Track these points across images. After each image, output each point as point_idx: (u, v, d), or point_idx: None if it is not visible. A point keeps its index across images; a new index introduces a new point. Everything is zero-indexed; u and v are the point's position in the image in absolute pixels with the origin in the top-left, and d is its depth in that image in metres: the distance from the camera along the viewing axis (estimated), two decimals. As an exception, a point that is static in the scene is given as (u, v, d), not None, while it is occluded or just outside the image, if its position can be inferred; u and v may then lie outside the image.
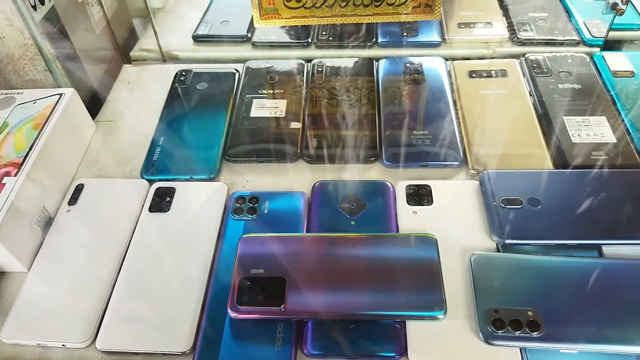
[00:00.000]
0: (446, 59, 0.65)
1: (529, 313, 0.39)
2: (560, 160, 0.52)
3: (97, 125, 0.60)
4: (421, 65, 0.63)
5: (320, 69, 0.64)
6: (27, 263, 0.46)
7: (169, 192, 0.51)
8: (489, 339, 0.39)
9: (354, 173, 0.53)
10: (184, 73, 0.65)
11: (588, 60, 0.63)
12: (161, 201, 0.50)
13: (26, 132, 0.50)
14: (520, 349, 0.39)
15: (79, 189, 0.52)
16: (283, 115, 0.58)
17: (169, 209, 0.50)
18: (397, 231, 0.47)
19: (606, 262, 0.43)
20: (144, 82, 0.66)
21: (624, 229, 0.45)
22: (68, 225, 0.49)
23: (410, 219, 0.48)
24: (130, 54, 0.71)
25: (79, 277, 0.45)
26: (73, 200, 0.51)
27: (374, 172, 0.53)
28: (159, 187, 0.51)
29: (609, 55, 0.63)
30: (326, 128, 0.57)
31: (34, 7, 0.52)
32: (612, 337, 0.38)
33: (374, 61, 0.65)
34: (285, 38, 0.70)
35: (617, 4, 0.60)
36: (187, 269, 0.45)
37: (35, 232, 0.47)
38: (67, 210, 0.50)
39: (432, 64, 0.64)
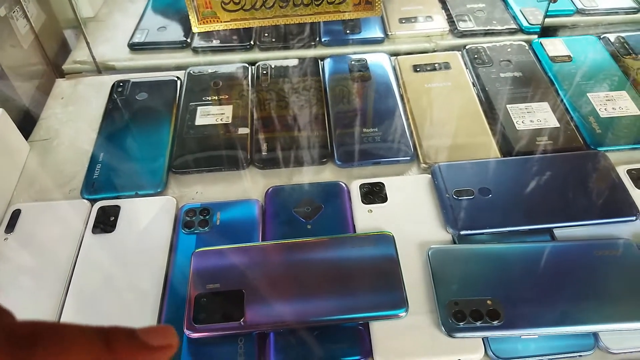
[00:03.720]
0: (390, 55, 0.65)
1: (489, 302, 0.40)
2: (506, 147, 0.53)
3: (31, 145, 0.57)
4: (366, 62, 0.63)
5: (265, 72, 0.63)
6: (-38, 300, 0.43)
7: (113, 211, 0.48)
8: (451, 331, 0.39)
9: (307, 175, 0.53)
10: (121, 84, 0.62)
11: (527, 47, 0.64)
12: (105, 221, 0.48)
13: (-49, 159, 0.47)
14: (482, 338, 0.39)
15: (15, 214, 0.49)
16: (230, 122, 0.57)
17: (113, 229, 0.47)
18: (354, 231, 0.46)
19: (559, 245, 0.44)
20: (79, 96, 0.63)
21: (573, 210, 0.46)
22: (7, 254, 0.46)
23: (366, 218, 0.47)
24: (63, 67, 0.67)
25: (22, 307, 0.42)
26: (10, 227, 0.48)
27: (327, 173, 0.53)
28: (102, 207, 0.49)
29: (546, 42, 0.65)
30: (275, 131, 0.56)
31: (-51, 24, 0.48)
32: (569, 318, 0.39)
33: (319, 60, 0.64)
34: (227, 42, 0.68)
35: (550, -8, 0.62)
36: (138, 290, 0.43)
37: (-32, 266, 0.44)
38: (5, 239, 0.47)
39: (377, 60, 0.63)
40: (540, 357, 0.39)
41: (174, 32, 0.69)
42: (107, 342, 0.17)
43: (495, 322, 0.39)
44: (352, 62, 0.63)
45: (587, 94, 0.57)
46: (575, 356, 0.39)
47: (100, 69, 0.67)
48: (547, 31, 0.69)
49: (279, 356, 0.39)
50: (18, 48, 0.61)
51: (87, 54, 0.67)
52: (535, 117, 0.55)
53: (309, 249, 0.43)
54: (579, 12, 0.70)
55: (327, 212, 0.48)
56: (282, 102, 0.59)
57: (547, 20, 0.68)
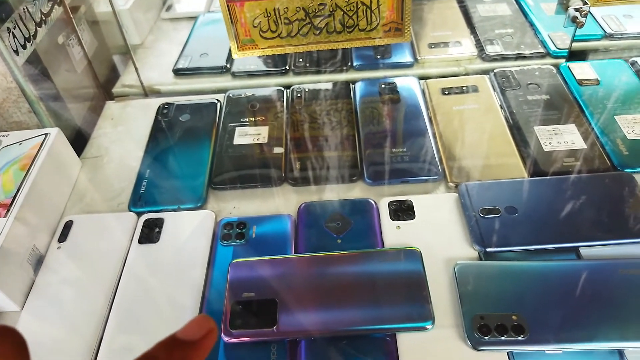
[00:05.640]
0: (419, 78, 0.67)
1: (514, 317, 0.41)
2: (534, 168, 0.54)
3: (83, 162, 0.61)
4: (396, 85, 0.66)
5: (299, 95, 0.66)
6: (20, 302, 0.46)
7: (158, 223, 0.52)
8: (476, 345, 0.40)
9: (337, 193, 0.55)
10: (166, 106, 0.66)
11: (554, 71, 0.66)
12: (150, 232, 0.51)
13: (13, 173, 0.51)
14: (507, 352, 0.40)
15: (68, 225, 0.53)
16: (266, 141, 0.60)
17: (158, 240, 0.51)
18: (383, 246, 0.48)
19: (584, 263, 0.45)
20: (128, 117, 0.68)
21: (599, 230, 0.47)
22: (59, 262, 0.50)
23: (394, 234, 0.49)
24: (113, 90, 0.73)
25: (72, 313, 0.46)
26: (63, 237, 0.52)
27: (357, 191, 0.55)
28: (148, 219, 0.52)
29: (574, 66, 0.66)
30: (308, 151, 0.58)
31: (16, 52, 0.53)
32: (593, 335, 0.39)
33: (351, 84, 0.67)
34: (264, 67, 0.72)
35: (577, 17, 0.63)
36: (178, 298, 0.46)
37: (26, 271, 0.48)
38: (58, 247, 0.51)
39: (407, 83, 0.66)
40: (565, 373, 0.39)
41: (215, 58, 0.74)
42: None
43: (519, 337, 0.40)
44: (383, 86, 0.66)
45: (615, 117, 0.58)
46: (601, 373, 0.40)
47: (147, 92, 0.72)
48: (576, 55, 0.70)
49: (310, 363, 0.41)
50: (72, 72, 0.67)
51: (134, 78, 0.72)
52: (562, 138, 0.56)
53: (339, 262, 0.45)
54: (607, 36, 0.71)
55: (357, 228, 0.50)
56: (315, 124, 0.62)
57: (575, 44, 0.69)
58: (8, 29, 0.52)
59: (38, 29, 0.57)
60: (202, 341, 0.21)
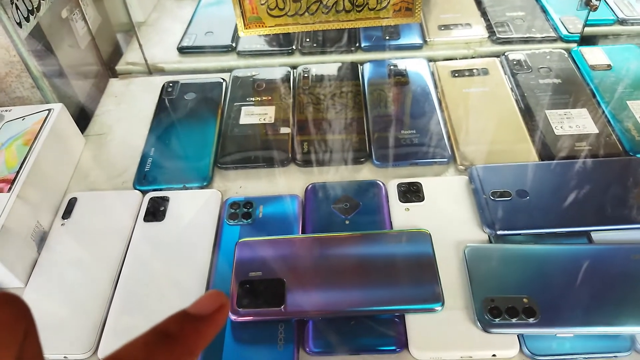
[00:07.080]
0: (428, 60, 0.66)
1: (524, 300, 0.40)
2: (545, 152, 0.53)
3: (86, 139, 0.60)
4: (405, 67, 0.65)
5: (306, 75, 0.65)
6: (24, 278, 0.46)
7: (163, 201, 0.51)
8: (486, 327, 0.40)
9: (345, 174, 0.54)
10: (171, 84, 0.65)
11: (566, 55, 0.65)
12: (156, 210, 0.50)
13: (17, 149, 0.50)
14: (517, 335, 0.40)
15: (72, 202, 0.52)
16: (272, 122, 0.59)
17: (163, 218, 0.50)
18: (391, 228, 0.48)
19: (595, 247, 0.44)
20: (131, 94, 0.67)
21: (611, 215, 0.46)
22: (63, 238, 0.49)
23: (403, 215, 0.49)
24: (116, 67, 0.71)
25: (77, 289, 0.45)
26: (67, 214, 0.51)
27: (365, 172, 0.54)
28: (153, 197, 0.52)
29: (586, 50, 0.65)
30: (315, 132, 0.58)
31: (19, 25, 0.52)
32: (605, 319, 0.39)
33: (359, 65, 0.66)
34: (270, 46, 0.71)
35: (591, 0, 0.62)
36: (184, 276, 0.45)
37: (30, 247, 0.47)
38: (62, 224, 0.50)
39: (416, 65, 0.65)
40: (575, 356, 0.39)
41: (220, 36, 0.72)
42: (167, 333, 0.19)
43: (530, 320, 0.39)
44: (391, 67, 0.65)
45: (627, 102, 0.57)
46: (611, 357, 0.39)
47: (151, 70, 0.70)
48: (586, 40, 0.69)
49: (317, 342, 0.40)
50: (76, 48, 0.65)
51: (138, 55, 0.70)
52: (574, 123, 0.55)
53: (348, 242, 0.45)
54: (620, 21, 0.70)
55: (365, 209, 0.49)
56: (322, 104, 0.61)
57: (587, 29, 0.68)
58: (11, 0, 0.50)
59: (42, 1, 0.55)
60: (213, 316, 0.20)
